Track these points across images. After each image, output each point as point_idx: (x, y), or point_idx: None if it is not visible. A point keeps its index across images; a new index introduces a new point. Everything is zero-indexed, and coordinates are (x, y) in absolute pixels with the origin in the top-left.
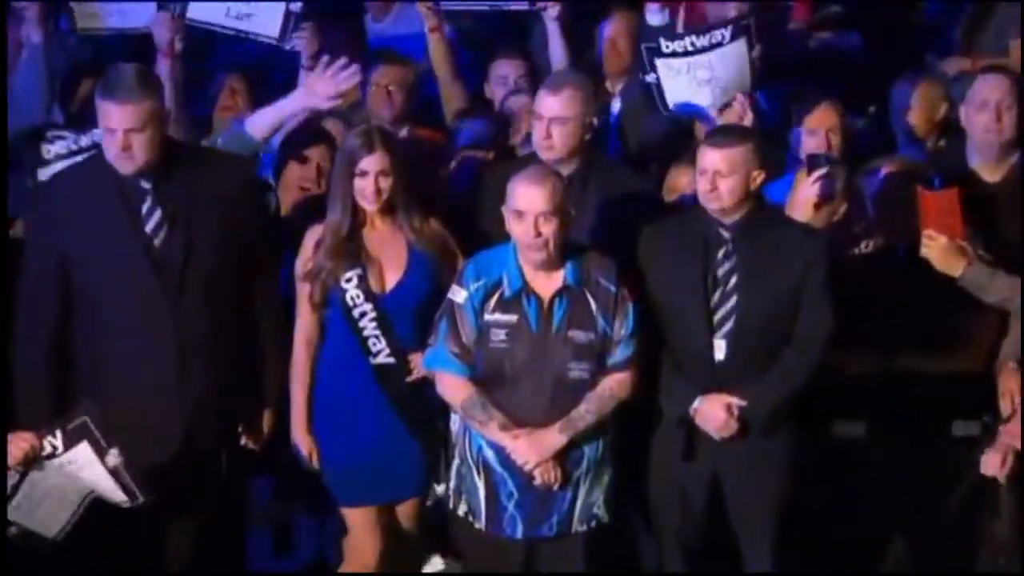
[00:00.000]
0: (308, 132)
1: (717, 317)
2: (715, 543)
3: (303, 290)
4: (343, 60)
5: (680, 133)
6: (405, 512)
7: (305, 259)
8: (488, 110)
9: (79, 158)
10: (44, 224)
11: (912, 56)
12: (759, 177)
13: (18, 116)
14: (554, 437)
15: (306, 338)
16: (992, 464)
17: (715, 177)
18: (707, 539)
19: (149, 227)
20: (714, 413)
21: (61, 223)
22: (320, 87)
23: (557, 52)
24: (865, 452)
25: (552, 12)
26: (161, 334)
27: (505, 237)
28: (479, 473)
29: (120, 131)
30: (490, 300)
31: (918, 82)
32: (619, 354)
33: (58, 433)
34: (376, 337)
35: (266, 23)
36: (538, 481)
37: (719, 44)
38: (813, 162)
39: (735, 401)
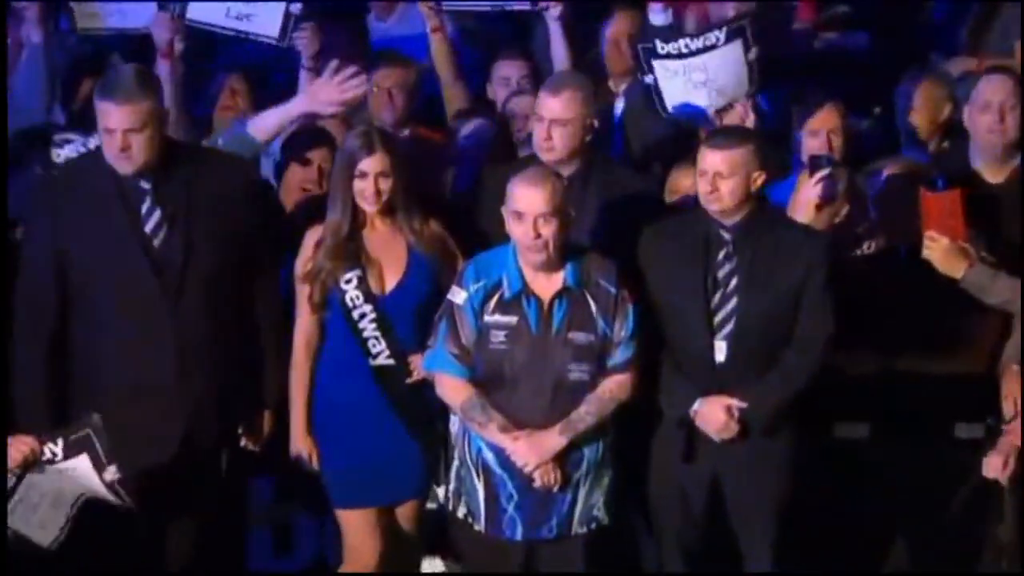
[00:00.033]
0: (309, 134)
1: (718, 318)
2: (715, 544)
3: (303, 291)
4: (351, 69)
5: (683, 134)
6: (405, 514)
7: (305, 260)
8: (489, 111)
9: None
10: (43, 224)
11: (918, 56)
12: (760, 178)
13: (18, 116)
14: (554, 439)
15: (306, 339)
16: (994, 466)
17: (716, 178)
18: (707, 540)
19: (148, 227)
20: (714, 415)
21: (60, 223)
22: (324, 94)
23: (559, 52)
24: (867, 454)
25: (554, 12)
26: (161, 334)
27: (505, 238)
28: (479, 475)
29: (119, 131)
30: (490, 301)
31: (920, 82)
32: (619, 356)
33: (60, 441)
34: (376, 338)
35: (266, 23)
36: (538, 483)
37: (713, 46)
38: (815, 163)
39: (735, 403)
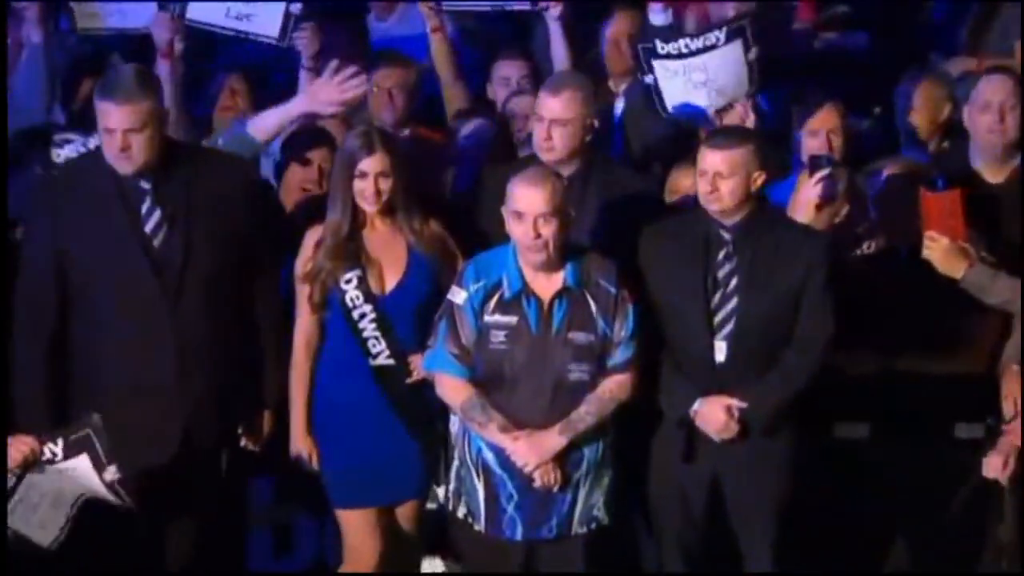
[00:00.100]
0: (309, 134)
1: (717, 319)
2: (715, 544)
3: (303, 291)
4: (352, 69)
5: (683, 134)
6: (405, 514)
7: (305, 260)
8: (489, 111)
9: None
10: (43, 224)
11: (918, 56)
12: (760, 178)
13: (18, 116)
14: (554, 439)
15: (306, 339)
16: (994, 466)
17: (715, 178)
18: (707, 540)
19: (148, 227)
20: (714, 415)
21: (60, 223)
22: (324, 94)
23: (559, 52)
24: (867, 454)
25: (554, 12)
26: (160, 334)
27: (506, 238)
28: (478, 475)
29: (119, 131)
30: (490, 301)
31: (919, 82)
32: (619, 356)
33: (60, 441)
34: (376, 338)
35: (266, 23)
36: (538, 483)
37: (713, 46)
38: (815, 163)
39: (735, 403)
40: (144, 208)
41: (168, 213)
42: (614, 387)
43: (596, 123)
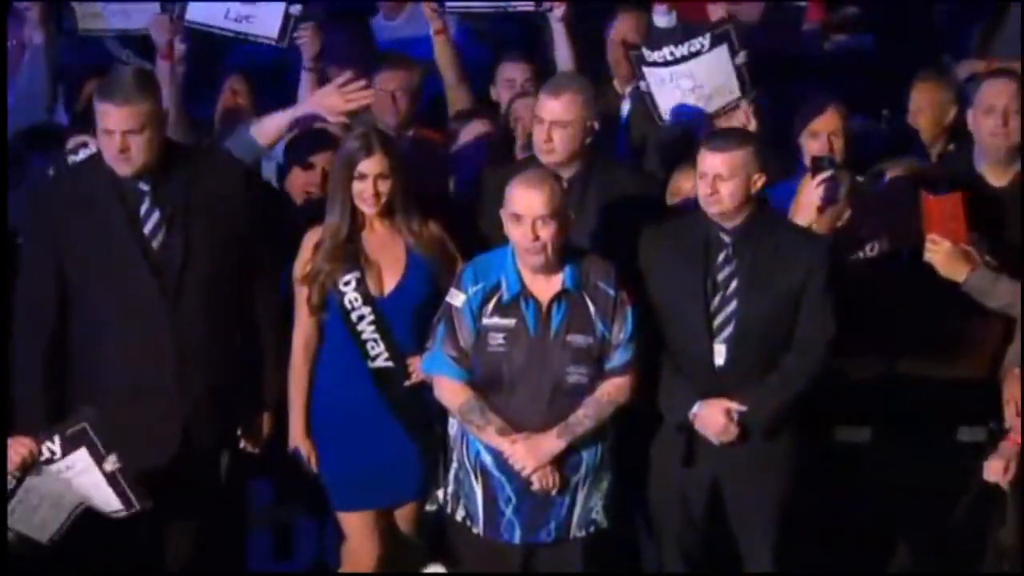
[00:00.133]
0: (312, 137)
1: (717, 322)
2: (715, 547)
3: (301, 293)
4: (361, 82)
5: (686, 136)
6: (404, 516)
7: (304, 262)
8: (492, 112)
9: None
10: (43, 226)
11: (928, 59)
12: (759, 180)
13: (19, 116)
14: (552, 442)
15: (304, 341)
16: (995, 470)
17: (715, 181)
18: (707, 543)
19: (147, 229)
20: (713, 418)
21: (60, 225)
22: (328, 102)
23: (563, 53)
24: (869, 457)
25: (557, 13)
26: (159, 336)
27: (506, 240)
28: (477, 478)
29: (118, 133)
30: (488, 304)
31: (919, 84)
32: (618, 358)
33: (56, 439)
34: (374, 340)
35: (266, 24)
36: (536, 486)
37: (699, 53)
38: (817, 165)
39: (734, 406)
40: (143, 209)
41: (167, 214)
42: (613, 390)
43: (596, 125)
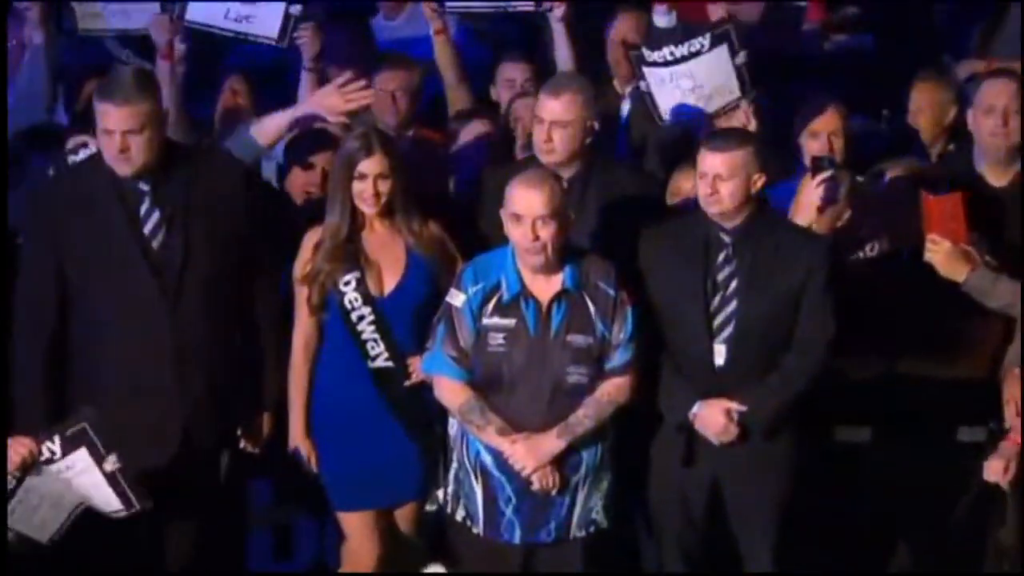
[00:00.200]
0: (312, 137)
1: (717, 322)
2: (716, 547)
3: (301, 293)
4: (361, 82)
5: (686, 136)
6: (404, 516)
7: (304, 262)
8: (491, 112)
9: None
10: (43, 226)
11: (928, 59)
12: (759, 180)
13: (19, 116)
14: (552, 442)
15: (304, 341)
16: (995, 470)
17: (715, 181)
18: (707, 543)
19: (147, 229)
20: (713, 418)
21: (60, 225)
22: (328, 102)
23: (563, 53)
24: (869, 457)
25: (557, 12)
26: (159, 336)
27: (506, 240)
28: (477, 478)
29: (118, 133)
30: (488, 304)
31: (919, 84)
32: (618, 358)
33: (56, 439)
34: (374, 340)
35: (266, 25)
36: (536, 486)
37: (698, 53)
38: (817, 164)
39: (734, 406)
40: (143, 209)
41: (167, 214)
42: (612, 390)
43: (596, 125)
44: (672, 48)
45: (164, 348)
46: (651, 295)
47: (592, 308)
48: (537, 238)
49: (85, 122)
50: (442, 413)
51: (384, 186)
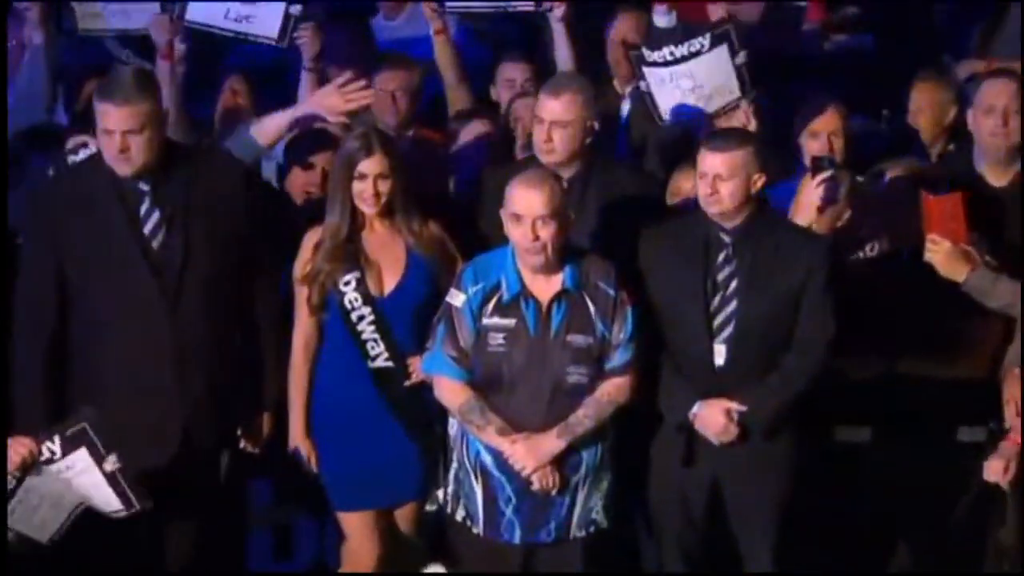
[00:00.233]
0: (313, 137)
1: (717, 322)
2: (716, 547)
3: (301, 293)
4: (361, 83)
5: (686, 136)
6: (404, 516)
7: (304, 262)
8: (491, 112)
9: None
10: (43, 226)
11: (928, 59)
12: (760, 180)
13: (19, 117)
14: (551, 442)
15: (304, 341)
16: (994, 470)
17: (715, 181)
18: (707, 543)
19: (147, 229)
20: (713, 418)
21: (60, 225)
22: (328, 102)
23: (563, 53)
24: (870, 457)
25: (557, 12)
26: (159, 336)
27: (507, 240)
28: (477, 478)
29: (118, 133)
30: (488, 304)
31: (919, 84)
32: (618, 358)
33: (56, 439)
34: (374, 340)
35: (266, 25)
36: (535, 486)
37: (698, 52)
38: (817, 164)
39: (734, 406)
40: (143, 209)
41: (167, 214)
42: (612, 390)
43: (596, 125)
44: (672, 48)
45: (164, 348)
46: (651, 295)
47: (592, 308)
48: (537, 238)
49: (85, 122)
50: (442, 413)
51: (384, 186)
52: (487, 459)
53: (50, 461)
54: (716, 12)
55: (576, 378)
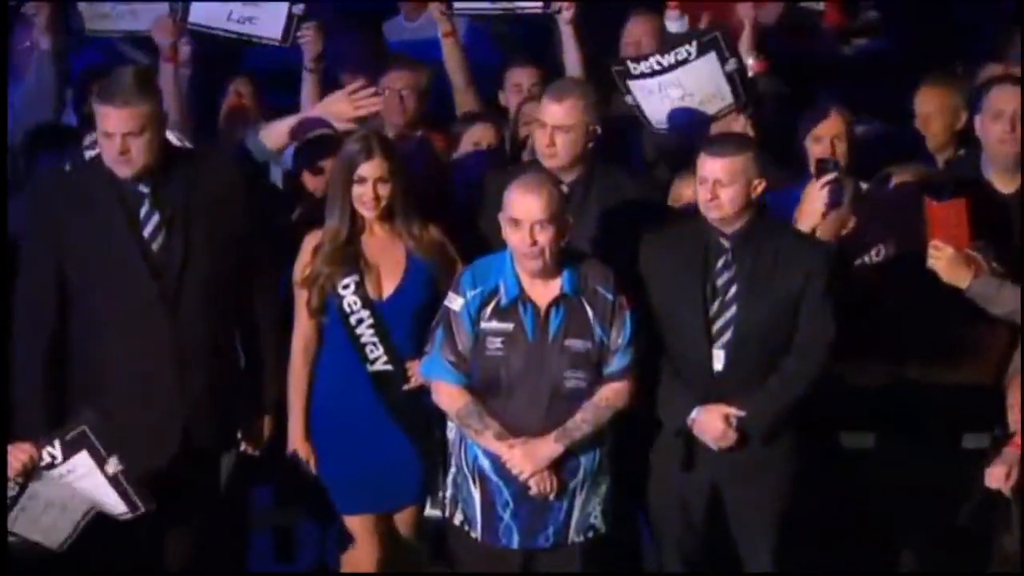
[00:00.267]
0: (322, 142)
1: (716, 327)
2: (716, 552)
3: (301, 296)
4: (371, 89)
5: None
6: (403, 520)
7: (303, 265)
8: (495, 117)
9: None
10: (43, 226)
11: (947, 63)
12: (759, 186)
13: (29, 119)
14: (549, 447)
15: (304, 344)
16: (996, 477)
17: (715, 186)
18: (707, 547)
19: (147, 231)
20: (712, 423)
21: (60, 227)
22: (337, 108)
23: (571, 56)
24: (873, 463)
25: (566, 15)
26: (159, 338)
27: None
28: (475, 482)
29: (118, 135)
30: (486, 308)
31: (927, 88)
32: (616, 363)
33: (56, 443)
34: (373, 344)
35: (269, 26)
36: (533, 491)
37: (686, 61)
38: (821, 167)
39: (733, 411)
40: (143, 211)
41: (167, 216)
42: (611, 395)
43: (599, 130)
44: (658, 58)
45: (164, 350)
46: (651, 300)
47: (590, 313)
48: (535, 242)
49: (93, 125)
50: (441, 417)
51: (384, 190)
52: (485, 463)
53: (51, 466)
54: (745, 11)
55: (574, 383)
